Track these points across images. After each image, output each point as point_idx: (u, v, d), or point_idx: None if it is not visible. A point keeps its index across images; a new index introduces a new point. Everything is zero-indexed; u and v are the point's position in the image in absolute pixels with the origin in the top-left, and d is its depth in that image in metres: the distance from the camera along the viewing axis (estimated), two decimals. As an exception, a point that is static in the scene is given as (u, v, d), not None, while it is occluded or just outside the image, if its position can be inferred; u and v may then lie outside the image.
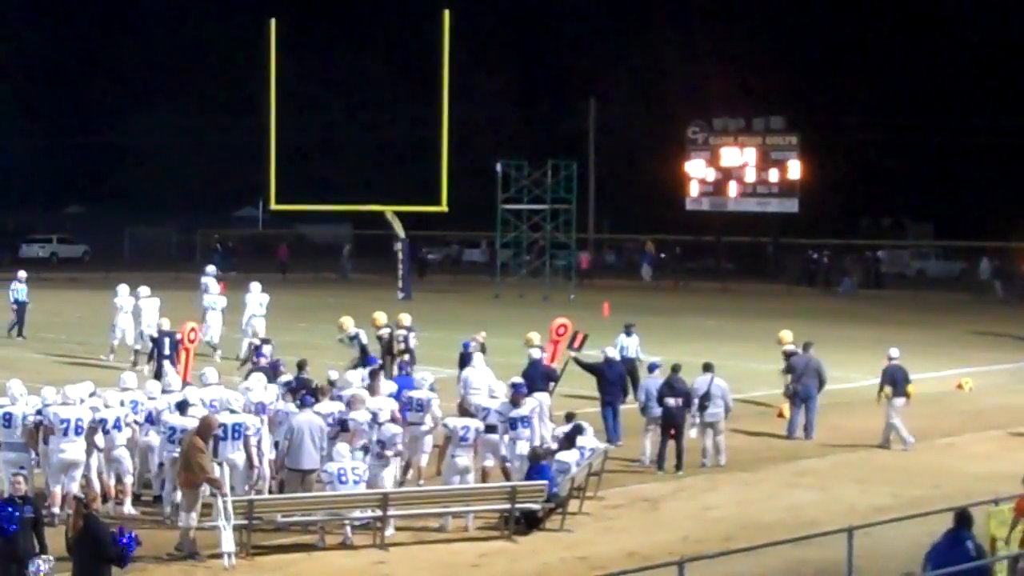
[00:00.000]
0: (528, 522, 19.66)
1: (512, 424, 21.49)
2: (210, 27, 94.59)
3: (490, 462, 21.58)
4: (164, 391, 21.48)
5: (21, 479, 15.86)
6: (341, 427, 20.65)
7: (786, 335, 28.96)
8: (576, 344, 28.89)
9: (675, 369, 24.60)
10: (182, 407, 20.19)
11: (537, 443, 21.53)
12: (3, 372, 27.18)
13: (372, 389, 21.80)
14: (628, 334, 29.98)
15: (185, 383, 22.68)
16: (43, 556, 14.94)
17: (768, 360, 28.67)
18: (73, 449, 19.50)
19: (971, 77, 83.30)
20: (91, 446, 19.79)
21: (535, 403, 22.18)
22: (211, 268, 39.53)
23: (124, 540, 14.52)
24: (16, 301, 38.79)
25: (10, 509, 15.21)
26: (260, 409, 20.96)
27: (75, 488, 19.30)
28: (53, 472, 19.54)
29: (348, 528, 18.96)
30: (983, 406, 31.02)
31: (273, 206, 54.17)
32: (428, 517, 19.93)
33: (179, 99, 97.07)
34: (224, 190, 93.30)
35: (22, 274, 39.46)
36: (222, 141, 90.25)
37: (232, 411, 20.06)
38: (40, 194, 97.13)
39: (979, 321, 48.56)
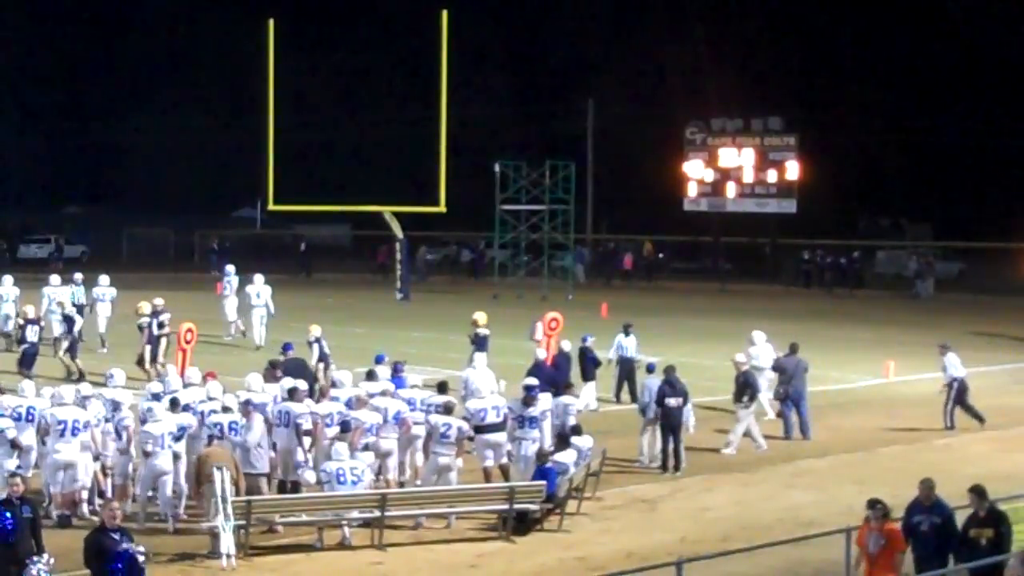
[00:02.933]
0: (521, 522, 19.65)
1: (520, 423, 21.55)
2: (209, 27, 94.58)
3: (489, 462, 21.61)
4: (161, 392, 21.55)
5: (18, 480, 15.85)
6: (342, 427, 20.69)
7: (480, 317, 30.35)
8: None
9: (668, 371, 24.63)
10: (174, 404, 20.29)
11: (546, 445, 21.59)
12: (3, 374, 27.22)
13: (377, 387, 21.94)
14: (627, 334, 30.06)
15: (186, 384, 22.61)
16: (41, 558, 14.91)
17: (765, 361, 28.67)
18: (68, 450, 19.55)
19: (970, 78, 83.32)
20: (99, 445, 19.87)
21: (547, 405, 22.22)
22: (230, 268, 41.02)
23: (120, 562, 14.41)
24: (72, 304, 38.38)
25: (8, 512, 15.17)
26: (260, 409, 20.99)
27: (77, 486, 19.43)
28: (50, 473, 19.58)
29: (346, 528, 18.97)
30: (981, 407, 30.96)
31: (271, 206, 54.16)
32: (426, 518, 19.95)
33: (178, 99, 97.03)
34: (222, 190, 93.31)
35: (78, 276, 39.13)
36: (221, 141, 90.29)
37: (227, 409, 20.18)
38: (39, 194, 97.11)
39: (978, 322, 48.56)
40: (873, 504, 15.54)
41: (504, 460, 21.80)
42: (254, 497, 18.75)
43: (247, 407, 19.90)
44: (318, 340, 28.70)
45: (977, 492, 15.97)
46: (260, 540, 18.82)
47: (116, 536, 14.39)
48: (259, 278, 38.99)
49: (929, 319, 50.10)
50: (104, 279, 38.38)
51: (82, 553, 14.58)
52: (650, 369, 25.36)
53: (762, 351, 29.10)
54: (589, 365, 28.94)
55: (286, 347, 26.95)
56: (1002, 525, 15.71)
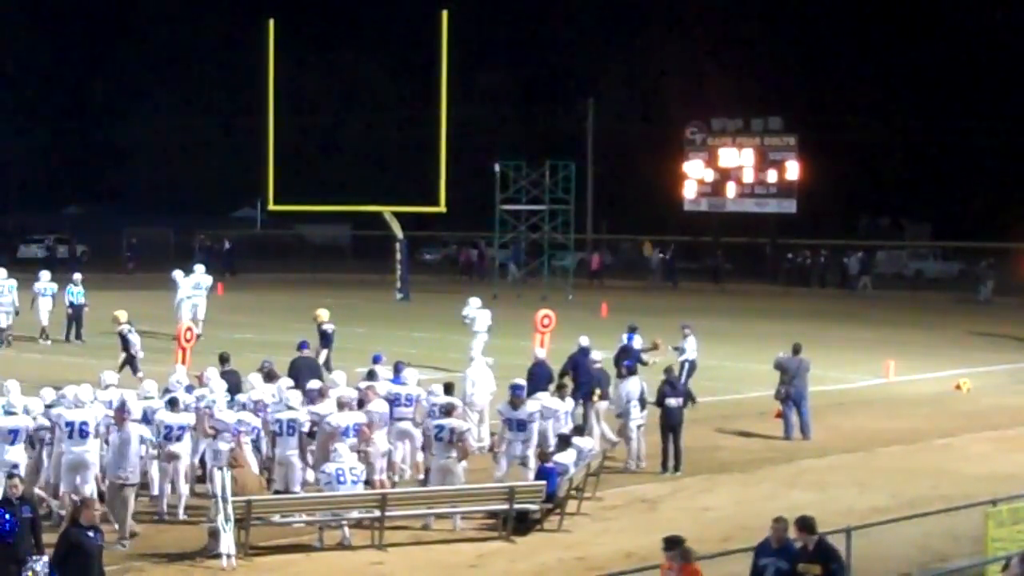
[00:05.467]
0: (521, 522, 19.62)
1: (509, 426, 21.48)
2: (209, 27, 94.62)
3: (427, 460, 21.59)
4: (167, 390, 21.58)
5: (17, 481, 15.81)
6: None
7: (322, 313, 31.36)
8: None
9: (668, 371, 24.53)
10: (173, 404, 20.30)
11: (538, 445, 21.51)
12: (3, 373, 27.18)
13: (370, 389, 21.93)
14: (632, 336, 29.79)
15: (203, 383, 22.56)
16: (41, 557, 14.91)
17: (766, 361, 28.68)
18: (81, 451, 19.48)
19: (970, 78, 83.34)
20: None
21: (537, 406, 22.10)
22: (182, 271, 41.16)
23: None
24: (71, 304, 38.51)
25: (8, 513, 15.15)
26: (260, 408, 21.03)
27: (87, 490, 19.36)
28: (64, 472, 19.50)
29: (346, 528, 18.96)
30: (981, 407, 31.03)
31: (271, 207, 54.12)
32: (425, 517, 19.94)
33: (178, 99, 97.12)
34: (222, 191, 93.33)
35: (77, 276, 39.25)
36: (220, 142, 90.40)
37: (290, 407, 20.38)
38: (38, 194, 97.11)
39: (977, 322, 48.57)
40: (671, 543, 13.77)
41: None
42: (254, 497, 18.72)
43: (121, 413, 19.36)
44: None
45: (801, 525, 14.42)
46: (260, 540, 18.80)
47: (91, 534, 14.41)
48: (201, 268, 40.73)
49: (929, 319, 50.11)
50: (45, 275, 39.20)
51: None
52: (629, 369, 25.16)
53: (478, 316, 32.92)
54: (628, 365, 28.44)
55: (302, 345, 26.94)
56: (833, 562, 14.30)
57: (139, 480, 19.12)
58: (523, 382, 22.85)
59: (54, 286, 38.63)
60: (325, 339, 30.85)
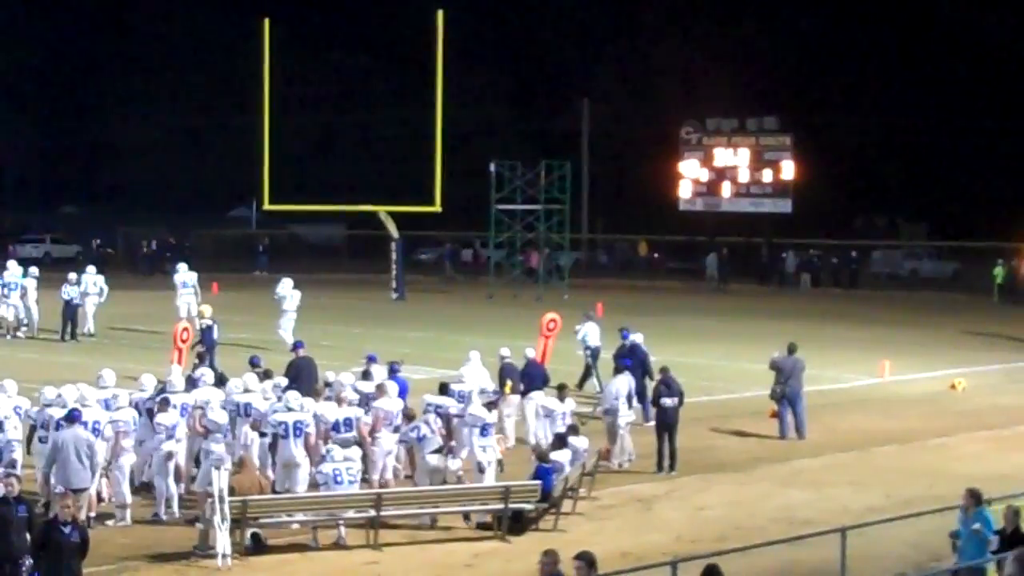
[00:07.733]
0: (517, 521, 19.61)
1: (484, 431, 21.35)
2: (204, 27, 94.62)
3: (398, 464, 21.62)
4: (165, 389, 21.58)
5: (14, 480, 15.81)
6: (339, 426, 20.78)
7: (204, 309, 32.72)
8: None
9: (664, 371, 24.53)
10: (164, 403, 20.32)
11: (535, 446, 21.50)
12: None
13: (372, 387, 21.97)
14: (625, 335, 29.73)
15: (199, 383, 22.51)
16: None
17: (761, 360, 28.69)
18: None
19: (966, 78, 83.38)
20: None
21: (512, 410, 22.11)
22: (91, 268, 41.54)
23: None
24: (67, 303, 38.50)
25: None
26: (249, 409, 21.03)
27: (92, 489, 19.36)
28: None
29: (342, 528, 18.96)
30: (976, 406, 31.05)
31: (266, 206, 54.11)
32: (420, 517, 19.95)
33: (173, 99, 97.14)
34: (217, 190, 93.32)
35: (72, 275, 39.29)
36: (216, 141, 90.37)
37: (290, 408, 20.35)
38: (34, 194, 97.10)
39: (973, 321, 48.60)
40: None
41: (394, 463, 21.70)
42: (251, 497, 18.71)
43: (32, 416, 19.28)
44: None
45: (588, 561, 13.28)
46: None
47: (65, 530, 14.45)
48: (92, 268, 40.92)
49: (925, 319, 50.13)
50: (13, 264, 39.88)
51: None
52: (620, 367, 25.06)
53: (289, 296, 36.00)
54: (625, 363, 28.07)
55: (297, 345, 26.89)
56: None
57: (82, 485, 18.34)
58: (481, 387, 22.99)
59: (27, 281, 38.94)
60: (205, 336, 30.85)
